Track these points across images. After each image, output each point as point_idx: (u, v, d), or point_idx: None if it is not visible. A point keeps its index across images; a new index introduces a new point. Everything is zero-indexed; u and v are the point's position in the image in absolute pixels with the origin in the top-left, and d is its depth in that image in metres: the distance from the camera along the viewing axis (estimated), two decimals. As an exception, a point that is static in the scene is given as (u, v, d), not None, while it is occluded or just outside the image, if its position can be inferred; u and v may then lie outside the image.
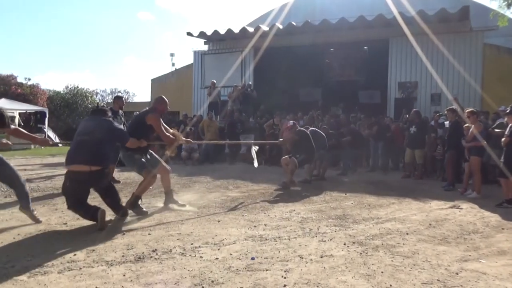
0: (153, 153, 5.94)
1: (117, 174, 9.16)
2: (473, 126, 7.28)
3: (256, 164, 7.79)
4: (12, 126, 4.89)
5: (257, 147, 8.23)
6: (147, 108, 6.07)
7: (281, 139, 8.85)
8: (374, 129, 10.86)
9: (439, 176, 9.65)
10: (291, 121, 9.53)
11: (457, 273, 3.48)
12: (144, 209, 5.56)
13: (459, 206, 6.42)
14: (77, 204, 4.81)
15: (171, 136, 5.81)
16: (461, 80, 13.24)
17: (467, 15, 12.93)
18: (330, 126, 11.28)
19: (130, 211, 5.33)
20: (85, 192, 4.90)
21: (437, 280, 3.31)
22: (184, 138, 6.58)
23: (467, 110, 7.71)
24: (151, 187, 5.90)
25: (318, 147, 8.70)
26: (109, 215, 5.12)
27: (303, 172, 8.61)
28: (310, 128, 9.29)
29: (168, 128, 6.05)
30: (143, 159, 5.58)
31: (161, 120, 5.78)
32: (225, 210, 5.89)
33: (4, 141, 4.71)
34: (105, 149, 4.84)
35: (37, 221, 4.89)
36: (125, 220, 5.12)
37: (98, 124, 4.89)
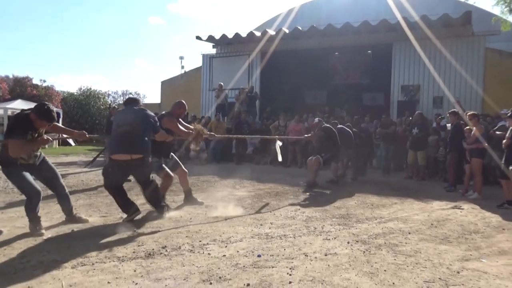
0: (174, 155, 5.99)
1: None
2: (474, 128, 7.24)
3: (280, 158, 7.77)
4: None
5: (281, 143, 8.16)
6: (164, 112, 6.03)
7: (306, 135, 8.72)
8: (391, 129, 10.46)
9: (441, 177, 9.59)
10: (317, 118, 9.41)
11: (458, 272, 3.46)
12: (165, 213, 5.50)
13: (461, 206, 6.38)
14: (114, 186, 4.97)
15: (190, 130, 5.81)
16: (463, 84, 13.16)
17: (470, 20, 12.84)
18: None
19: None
20: (124, 178, 5.08)
21: (439, 278, 3.30)
22: (208, 132, 6.44)
23: (469, 113, 7.66)
24: (170, 188, 6.00)
25: (344, 145, 8.51)
26: (121, 212, 5.16)
27: (329, 172, 8.52)
28: (338, 126, 8.95)
29: (189, 125, 6.09)
30: (161, 162, 5.61)
31: (180, 120, 5.85)
32: (232, 209, 5.90)
33: (45, 137, 4.51)
34: (144, 137, 4.83)
35: (83, 221, 4.88)
36: (136, 217, 5.14)
37: (135, 114, 4.91)
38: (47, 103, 4.47)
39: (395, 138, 10.43)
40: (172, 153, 5.97)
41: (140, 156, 4.76)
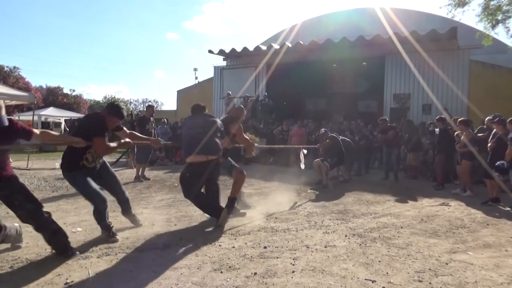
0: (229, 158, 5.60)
1: (147, 172, 9.23)
2: (463, 133, 7.14)
3: (303, 166, 7.53)
4: (126, 130, 4.43)
5: (306, 151, 8.09)
6: (226, 115, 5.67)
7: (319, 144, 8.61)
8: (391, 134, 9.44)
9: (429, 177, 9.50)
10: (323, 129, 9.23)
11: (446, 263, 3.41)
12: (242, 211, 5.22)
13: (448, 203, 6.30)
14: (194, 194, 4.54)
15: (249, 140, 5.52)
16: (449, 92, 13.04)
17: (455, 34, 12.74)
18: (333, 131, 11.10)
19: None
20: (201, 182, 4.59)
21: (429, 269, 3.25)
22: (256, 144, 6.08)
23: (459, 120, 7.57)
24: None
25: (347, 151, 8.50)
26: (142, 207, 5.16)
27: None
28: (340, 137, 8.73)
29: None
30: (230, 162, 5.19)
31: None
32: (241, 205, 5.86)
33: (128, 140, 4.24)
34: (216, 139, 4.58)
35: (138, 224, 4.53)
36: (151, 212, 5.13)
37: (204, 119, 4.65)
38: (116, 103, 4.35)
39: (397, 143, 9.52)
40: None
41: (215, 157, 4.49)
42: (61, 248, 3.41)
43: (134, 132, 4.65)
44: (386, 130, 9.52)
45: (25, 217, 3.31)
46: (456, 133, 7.43)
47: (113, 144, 3.92)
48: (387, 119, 10.34)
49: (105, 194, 3.93)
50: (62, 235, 3.42)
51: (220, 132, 4.65)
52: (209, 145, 4.45)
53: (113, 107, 4.08)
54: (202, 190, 4.69)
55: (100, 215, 3.89)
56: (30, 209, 3.28)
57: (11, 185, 3.26)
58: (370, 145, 10.89)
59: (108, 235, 3.90)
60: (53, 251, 3.43)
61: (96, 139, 3.70)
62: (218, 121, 4.73)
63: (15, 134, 3.22)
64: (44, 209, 3.38)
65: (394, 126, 10.10)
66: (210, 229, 4.40)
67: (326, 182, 7.83)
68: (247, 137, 5.47)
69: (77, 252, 3.46)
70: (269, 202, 6.15)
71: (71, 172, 3.81)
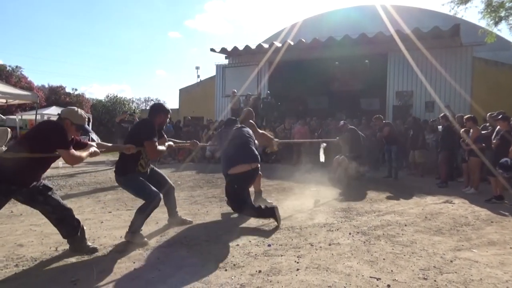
0: None
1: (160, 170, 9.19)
2: (471, 130, 7.10)
3: (323, 159, 7.50)
4: (166, 137, 4.43)
5: (325, 144, 7.98)
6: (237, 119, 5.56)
7: (337, 138, 8.23)
8: (385, 130, 9.31)
9: (436, 174, 9.40)
10: (342, 121, 9.03)
11: (451, 261, 3.40)
12: (269, 201, 5.59)
13: (452, 201, 6.28)
14: (243, 205, 4.56)
15: (269, 135, 5.67)
16: (452, 90, 12.98)
17: (458, 32, 12.68)
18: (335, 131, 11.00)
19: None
20: (247, 191, 4.68)
21: (434, 267, 3.24)
22: (276, 139, 6.18)
23: (466, 116, 7.52)
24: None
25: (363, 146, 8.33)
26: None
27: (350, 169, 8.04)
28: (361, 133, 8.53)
29: (264, 132, 5.89)
30: None
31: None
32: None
33: (172, 143, 4.36)
34: (253, 147, 4.74)
35: (188, 222, 4.54)
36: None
37: (240, 130, 4.84)
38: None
39: (394, 140, 9.39)
40: None
41: (257, 164, 4.64)
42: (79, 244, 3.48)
43: (171, 139, 4.72)
44: (381, 127, 9.48)
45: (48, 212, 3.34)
46: (462, 130, 7.38)
47: (162, 147, 4.00)
48: (382, 116, 10.08)
49: (158, 193, 3.88)
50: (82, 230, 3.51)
51: (253, 140, 4.85)
52: (251, 154, 4.62)
53: (154, 106, 4.22)
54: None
55: (146, 210, 3.75)
56: (53, 204, 3.33)
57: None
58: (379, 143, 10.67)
59: (133, 236, 3.71)
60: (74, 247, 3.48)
61: (147, 143, 3.79)
62: (249, 130, 4.96)
63: (73, 144, 3.37)
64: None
65: (389, 122, 9.99)
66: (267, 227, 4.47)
67: (346, 177, 7.52)
68: (263, 133, 5.59)
69: (97, 247, 3.55)
70: (272, 200, 6.14)
71: (126, 175, 3.86)
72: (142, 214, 3.75)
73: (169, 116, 4.28)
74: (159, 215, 4.94)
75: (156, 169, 4.32)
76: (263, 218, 4.59)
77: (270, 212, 4.45)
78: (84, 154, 3.38)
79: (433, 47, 12.77)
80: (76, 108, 3.44)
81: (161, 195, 3.91)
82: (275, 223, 4.54)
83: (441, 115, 8.62)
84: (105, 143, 4.11)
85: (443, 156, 8.22)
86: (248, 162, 4.54)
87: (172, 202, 4.46)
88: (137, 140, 3.81)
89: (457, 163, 8.90)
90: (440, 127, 9.09)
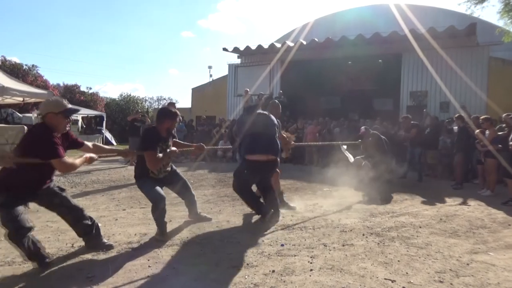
0: None
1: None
2: (487, 131, 6.97)
3: (351, 159, 7.29)
4: (176, 140, 4.51)
5: (345, 146, 7.83)
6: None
7: (359, 140, 7.77)
8: (413, 132, 8.97)
9: (451, 175, 9.22)
10: (363, 127, 8.50)
11: (468, 264, 3.34)
12: (292, 205, 5.46)
13: (467, 203, 6.18)
14: (244, 189, 4.65)
15: (286, 138, 5.40)
16: (468, 90, 12.76)
17: (474, 31, 12.47)
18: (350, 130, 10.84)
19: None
20: (255, 180, 4.67)
21: (450, 269, 3.19)
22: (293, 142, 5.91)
23: (482, 117, 7.38)
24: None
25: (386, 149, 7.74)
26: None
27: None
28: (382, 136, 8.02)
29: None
30: None
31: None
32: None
33: (174, 149, 4.21)
34: (277, 140, 4.64)
35: (207, 219, 4.62)
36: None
37: (265, 117, 4.66)
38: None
39: (421, 142, 9.05)
40: None
41: (274, 157, 4.53)
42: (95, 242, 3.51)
43: (177, 140, 4.67)
44: (408, 128, 9.22)
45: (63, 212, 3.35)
46: (477, 131, 7.25)
47: (160, 157, 3.91)
48: (410, 116, 9.72)
49: (163, 197, 3.89)
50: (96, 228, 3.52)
51: (279, 132, 4.72)
52: (272, 145, 4.52)
53: (160, 111, 4.15)
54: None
55: (157, 212, 3.84)
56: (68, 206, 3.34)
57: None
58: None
59: (160, 233, 3.87)
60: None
61: (146, 153, 3.81)
62: (275, 119, 4.78)
63: (69, 142, 3.29)
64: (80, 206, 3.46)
65: (417, 124, 9.63)
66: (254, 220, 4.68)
67: (367, 181, 7.10)
68: (284, 136, 5.38)
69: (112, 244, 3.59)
70: (285, 199, 6.13)
71: (140, 179, 3.97)
72: (154, 215, 3.88)
73: (177, 119, 4.23)
74: (172, 213, 4.98)
75: (178, 172, 4.33)
76: (256, 212, 4.68)
77: (265, 210, 4.56)
78: (77, 161, 3.21)
79: (449, 47, 12.58)
80: (50, 98, 3.31)
81: (164, 198, 3.88)
82: (288, 222, 4.53)
83: (456, 115, 8.48)
84: (103, 146, 3.99)
85: (459, 158, 8.09)
86: (266, 153, 4.47)
87: (190, 203, 4.53)
88: (142, 147, 3.92)
89: (472, 165, 8.74)
90: (455, 127, 8.92)
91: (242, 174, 4.61)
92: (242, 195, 4.74)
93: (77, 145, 3.43)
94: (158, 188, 3.93)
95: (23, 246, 2.97)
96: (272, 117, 4.78)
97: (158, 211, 3.83)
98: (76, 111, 3.49)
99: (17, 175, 2.95)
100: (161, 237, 3.84)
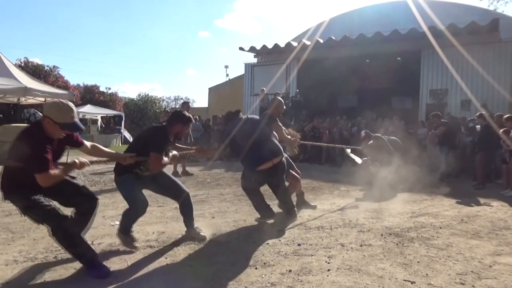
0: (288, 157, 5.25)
1: (188, 168, 9.31)
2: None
3: (359, 160, 7.25)
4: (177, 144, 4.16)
5: (349, 150, 7.76)
6: (265, 112, 5.02)
7: (362, 146, 7.61)
8: (440, 130, 8.55)
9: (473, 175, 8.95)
10: (363, 131, 8.41)
11: (490, 266, 3.25)
12: (312, 204, 5.47)
13: (490, 203, 6.01)
14: (252, 188, 4.60)
15: (290, 137, 5.14)
16: (490, 88, 12.42)
17: (497, 27, 12.12)
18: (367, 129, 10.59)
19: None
20: (262, 184, 4.62)
21: (471, 271, 3.11)
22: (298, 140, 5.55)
23: (505, 116, 7.17)
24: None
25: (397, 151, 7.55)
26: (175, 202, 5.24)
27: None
28: (385, 137, 7.85)
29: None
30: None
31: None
32: (273, 201, 5.82)
33: (175, 152, 3.90)
34: (273, 140, 4.53)
35: (201, 238, 3.89)
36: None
37: (250, 123, 4.50)
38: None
39: (448, 141, 8.61)
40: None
41: (279, 158, 4.42)
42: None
43: (177, 144, 4.26)
44: (437, 126, 8.87)
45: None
46: (501, 130, 7.04)
47: (166, 160, 3.60)
48: (440, 113, 9.37)
49: (146, 203, 3.63)
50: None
51: (268, 130, 4.54)
52: (272, 148, 4.41)
53: (175, 113, 3.85)
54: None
55: (130, 216, 3.56)
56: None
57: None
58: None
59: (125, 239, 3.53)
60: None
61: (153, 154, 3.43)
62: (254, 118, 4.67)
63: (67, 139, 3.09)
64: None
65: (446, 122, 9.14)
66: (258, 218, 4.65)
67: (374, 184, 6.98)
68: (288, 135, 5.15)
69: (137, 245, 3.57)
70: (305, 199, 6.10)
71: (121, 176, 3.57)
72: (125, 218, 3.56)
73: (190, 126, 3.96)
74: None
75: (167, 173, 3.87)
76: (261, 215, 4.62)
77: (267, 214, 4.55)
78: (60, 173, 2.89)
79: (470, 43, 12.26)
80: (58, 101, 2.92)
81: (147, 203, 3.60)
82: (305, 222, 4.50)
83: (477, 114, 8.27)
84: (103, 149, 3.57)
85: (480, 157, 7.88)
86: (269, 158, 4.34)
87: (186, 212, 3.89)
88: (144, 146, 3.48)
89: (495, 165, 8.49)
90: (478, 126, 8.69)
91: (249, 178, 4.57)
92: (253, 197, 4.67)
93: (76, 144, 3.25)
94: (139, 190, 3.59)
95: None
96: (256, 117, 4.66)
97: (133, 218, 3.57)
98: (77, 129, 3.03)
99: (24, 173, 2.78)
100: (127, 243, 3.52)
